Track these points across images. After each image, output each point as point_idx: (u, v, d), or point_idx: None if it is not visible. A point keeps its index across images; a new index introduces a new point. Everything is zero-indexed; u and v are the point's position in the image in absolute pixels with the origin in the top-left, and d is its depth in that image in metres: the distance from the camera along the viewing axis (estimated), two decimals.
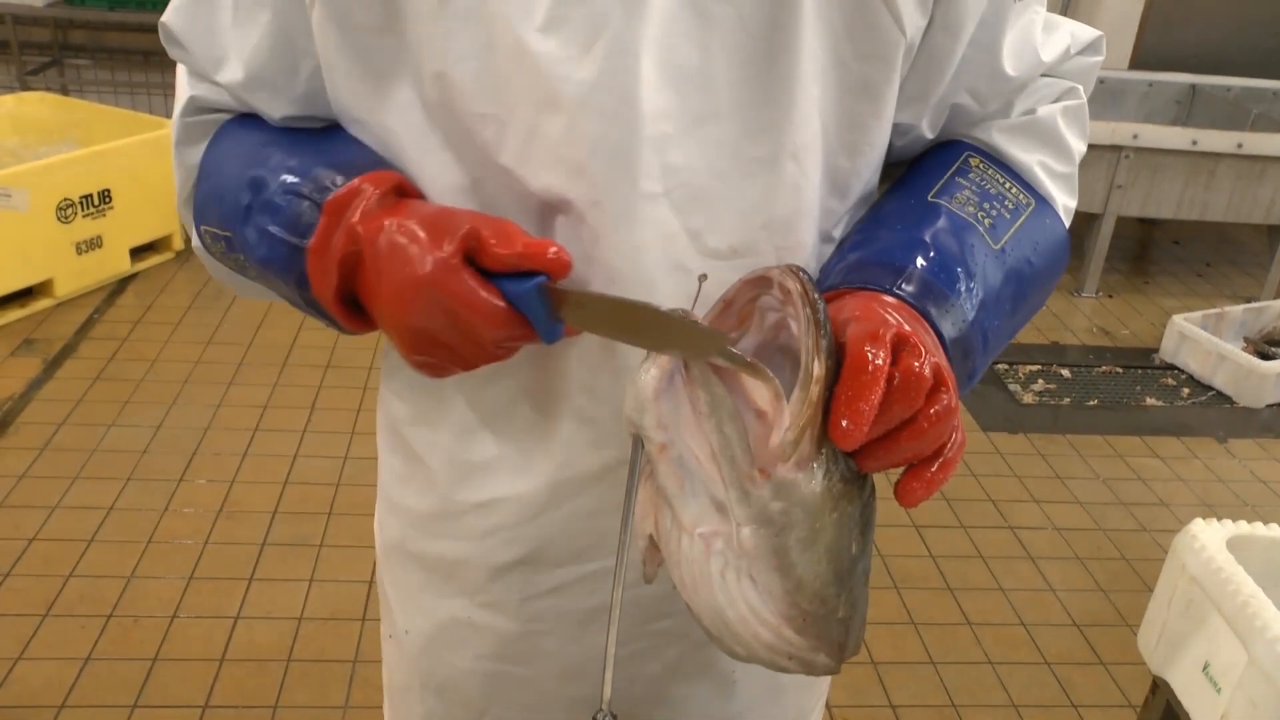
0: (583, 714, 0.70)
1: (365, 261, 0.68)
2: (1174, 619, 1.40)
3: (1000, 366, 3.53)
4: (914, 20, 0.72)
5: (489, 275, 0.67)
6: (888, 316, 0.65)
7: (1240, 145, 3.88)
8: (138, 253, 3.69)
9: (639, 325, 0.65)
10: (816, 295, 0.62)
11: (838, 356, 0.62)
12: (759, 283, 0.65)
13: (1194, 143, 3.86)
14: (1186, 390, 3.53)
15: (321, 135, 0.77)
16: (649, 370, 0.63)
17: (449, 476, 0.85)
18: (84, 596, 2.24)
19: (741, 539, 0.63)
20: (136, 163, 3.56)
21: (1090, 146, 0.90)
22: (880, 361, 0.61)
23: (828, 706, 1.88)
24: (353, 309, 0.72)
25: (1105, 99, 4.39)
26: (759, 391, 0.62)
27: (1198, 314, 3.70)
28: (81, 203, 3.41)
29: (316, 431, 2.87)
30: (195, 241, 0.83)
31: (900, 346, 0.63)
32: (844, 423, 0.60)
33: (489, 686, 0.92)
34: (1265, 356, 3.57)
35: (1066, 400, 3.42)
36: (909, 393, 0.62)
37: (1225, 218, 4.08)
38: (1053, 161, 0.85)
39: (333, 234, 0.69)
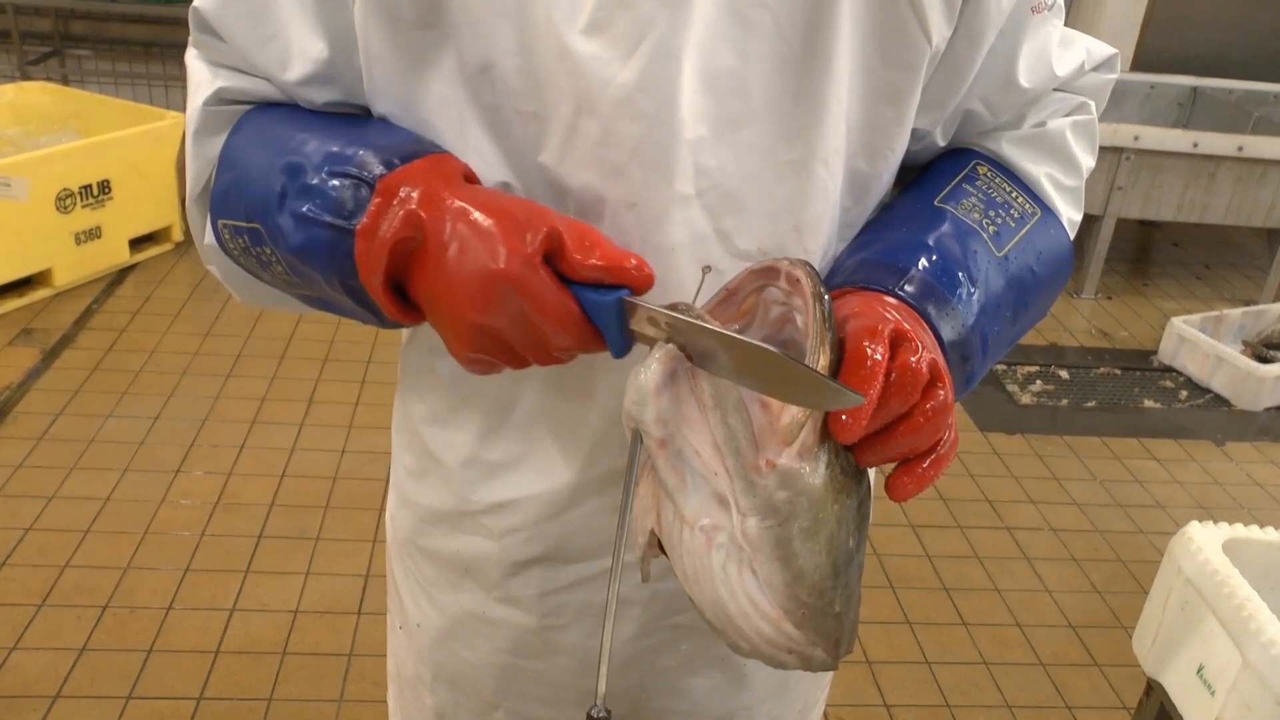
0: (589, 708, 0.71)
1: (427, 248, 0.64)
2: (1169, 621, 1.40)
3: (999, 367, 3.53)
4: (941, 29, 0.73)
5: (564, 280, 0.64)
6: (887, 313, 0.66)
7: (1241, 148, 3.88)
8: (137, 243, 3.68)
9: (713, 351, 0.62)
10: (823, 289, 0.63)
11: (838, 351, 0.63)
12: (765, 273, 0.66)
13: (1195, 145, 3.86)
14: (1184, 393, 3.53)
15: (359, 120, 0.74)
16: (650, 366, 0.63)
17: (467, 476, 0.85)
18: (80, 587, 2.24)
19: (746, 529, 0.64)
20: (136, 154, 3.56)
21: None
22: (879, 356, 0.62)
23: None
24: (399, 298, 0.68)
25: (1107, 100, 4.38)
26: None
27: (1196, 316, 3.70)
28: (81, 193, 3.41)
29: (314, 424, 2.87)
30: (208, 239, 0.79)
31: (898, 342, 0.64)
32: (843, 417, 0.62)
33: (503, 680, 0.92)
34: (1263, 360, 3.57)
35: (1064, 401, 3.42)
36: (906, 387, 0.63)
37: (1225, 220, 4.08)
38: (1060, 175, 0.86)
39: (385, 215, 0.64)
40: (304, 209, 0.67)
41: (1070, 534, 2.76)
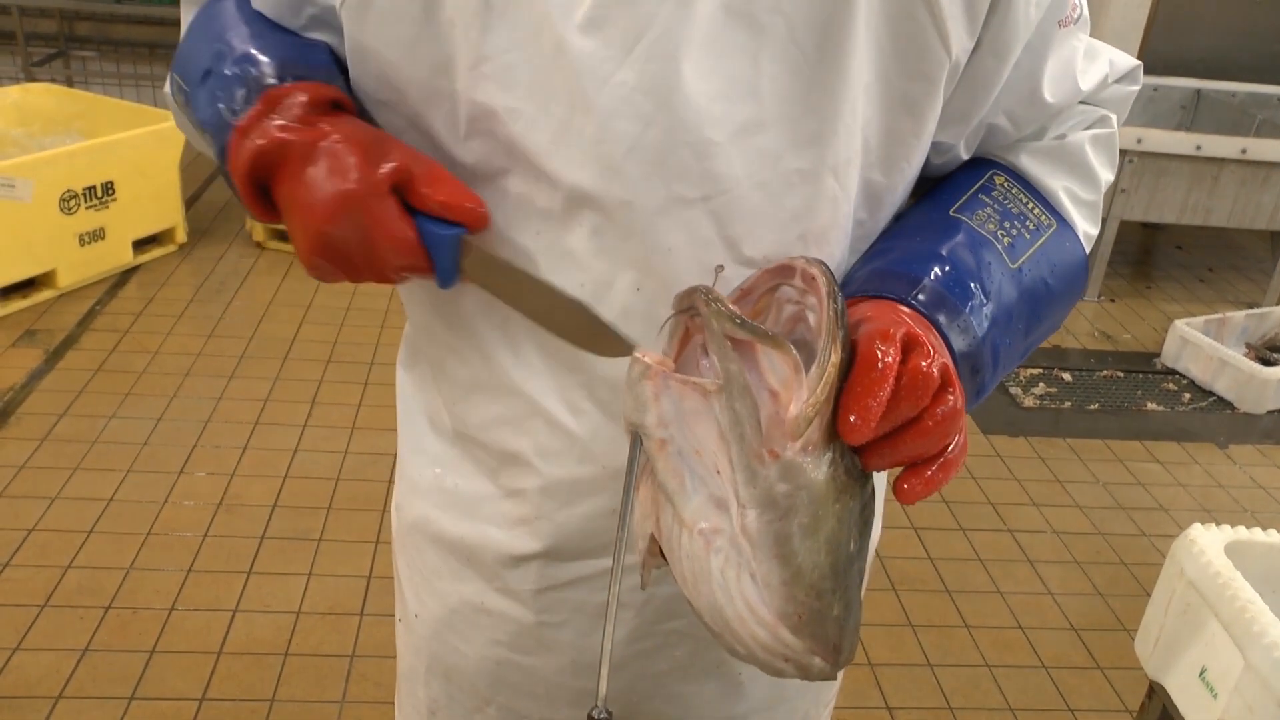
0: (589, 709, 0.71)
1: (291, 160, 0.70)
2: (1171, 624, 1.40)
3: None
4: (961, 41, 0.73)
5: (411, 210, 0.70)
6: (899, 318, 0.66)
7: (1244, 151, 3.88)
8: (140, 245, 3.69)
9: (532, 300, 0.72)
10: (837, 287, 0.63)
11: (849, 353, 0.63)
12: (780, 271, 0.66)
13: (1198, 148, 3.86)
14: (1187, 395, 3.53)
15: (294, 34, 0.78)
16: (642, 380, 0.63)
17: (481, 462, 0.86)
18: (83, 588, 2.24)
19: (745, 524, 0.63)
20: (140, 155, 3.57)
21: None
22: (890, 360, 0.62)
23: None
24: (262, 198, 0.74)
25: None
26: (775, 370, 0.63)
27: (1200, 319, 3.70)
28: (85, 194, 3.42)
29: (317, 426, 2.87)
30: (167, 87, 0.85)
31: (910, 347, 0.64)
32: (851, 418, 0.61)
33: (497, 675, 0.92)
34: (1267, 362, 3.56)
35: (1067, 404, 3.42)
36: (915, 391, 0.63)
37: (1228, 223, 4.08)
38: (1078, 188, 0.86)
39: (262, 121, 0.70)
40: (214, 90, 0.74)
41: (1073, 536, 2.76)
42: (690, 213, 0.71)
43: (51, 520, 2.43)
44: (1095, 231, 0.88)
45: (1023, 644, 2.36)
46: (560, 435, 0.80)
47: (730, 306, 0.63)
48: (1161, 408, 3.45)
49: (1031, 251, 0.80)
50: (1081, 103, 0.86)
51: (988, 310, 0.74)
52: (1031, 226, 0.81)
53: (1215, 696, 1.29)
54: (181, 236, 3.82)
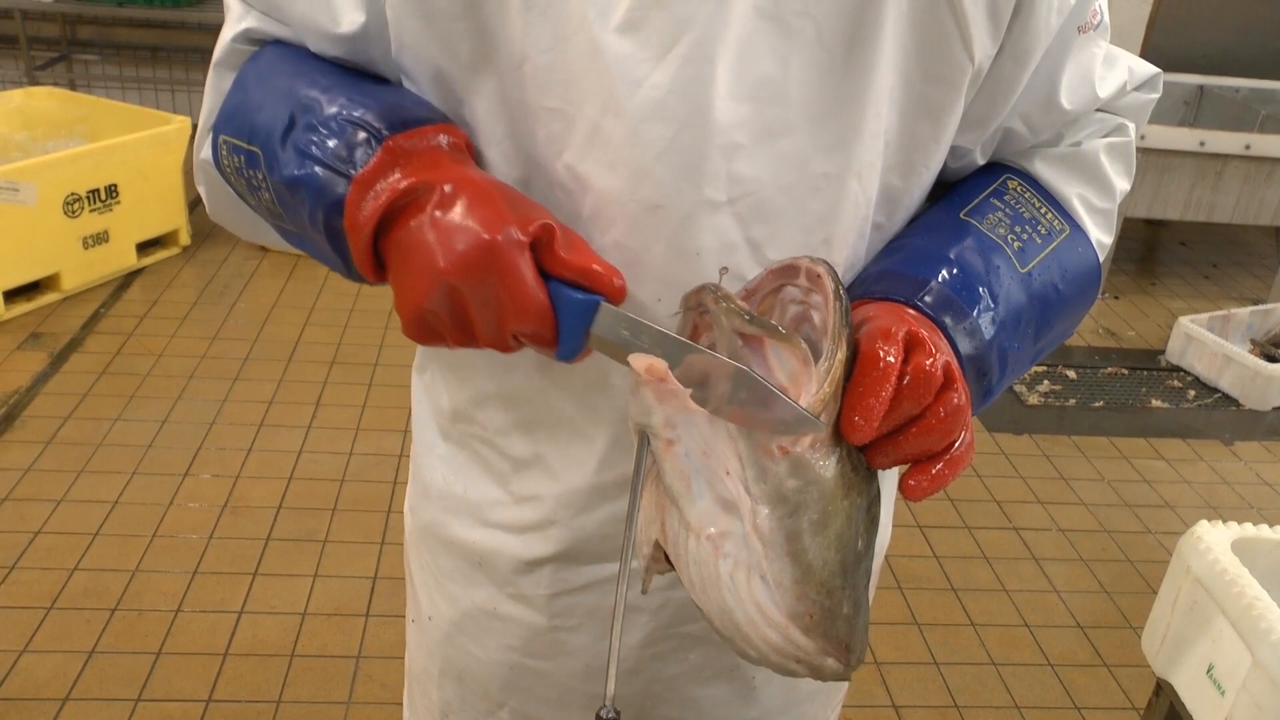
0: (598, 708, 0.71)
1: (421, 206, 0.65)
2: (1178, 621, 1.40)
3: None
4: (984, 47, 0.73)
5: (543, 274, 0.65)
6: (902, 318, 0.66)
7: (1248, 146, 3.87)
8: (144, 248, 3.69)
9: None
10: (842, 287, 0.63)
11: (853, 352, 0.63)
12: (785, 271, 0.66)
13: (1202, 144, 3.85)
14: (1192, 392, 3.52)
15: (378, 80, 0.75)
16: (643, 385, 0.63)
17: (494, 468, 0.86)
18: (89, 590, 2.24)
19: (758, 522, 0.64)
20: (143, 158, 3.57)
21: None
22: (892, 359, 0.62)
23: None
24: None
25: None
26: (784, 365, 0.63)
27: (1204, 316, 3.69)
28: (88, 197, 3.42)
29: (321, 427, 2.87)
30: (204, 154, 0.79)
31: (912, 345, 0.64)
32: (855, 418, 0.62)
33: (510, 678, 0.92)
34: (1272, 359, 3.56)
35: (1072, 401, 3.41)
36: (919, 390, 0.63)
37: (1233, 219, 4.07)
38: (1093, 196, 0.85)
39: (384, 173, 0.65)
40: (308, 145, 0.68)
41: (1078, 534, 2.75)
42: (717, 216, 0.70)
43: (57, 523, 2.43)
44: (1109, 240, 0.87)
45: (1029, 642, 2.36)
46: (582, 443, 0.80)
47: (739, 303, 0.63)
48: (1166, 405, 3.44)
49: (1042, 256, 0.79)
50: (1099, 110, 0.86)
51: (995, 314, 0.74)
52: (1043, 231, 0.80)
53: (1223, 694, 1.29)
54: (185, 239, 3.83)
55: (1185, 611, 1.38)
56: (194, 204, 3.89)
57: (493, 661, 0.92)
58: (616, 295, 0.65)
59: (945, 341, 0.69)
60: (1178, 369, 3.66)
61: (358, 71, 0.74)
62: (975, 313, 0.72)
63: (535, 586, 0.87)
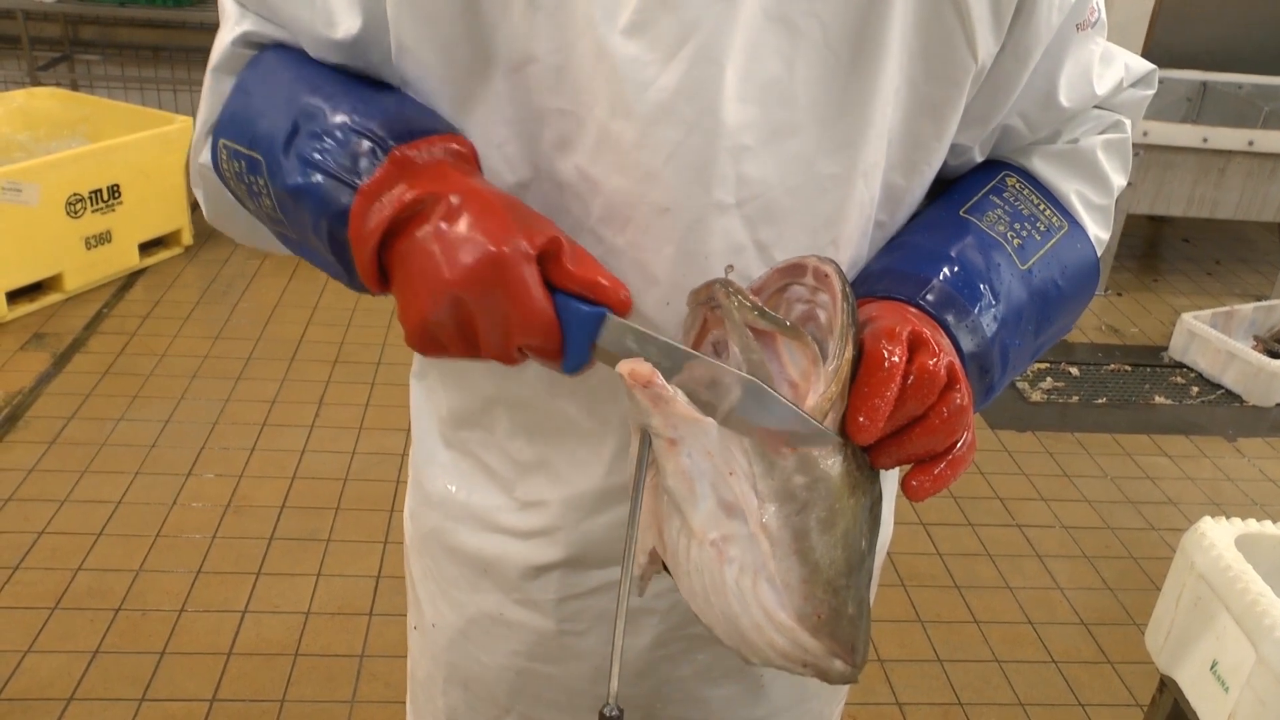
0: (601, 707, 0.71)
1: (427, 216, 0.64)
2: (1182, 617, 1.39)
3: None
4: (987, 46, 0.73)
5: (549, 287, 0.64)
6: (905, 318, 0.67)
7: (1251, 143, 3.86)
8: (146, 247, 3.70)
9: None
10: (849, 286, 0.63)
11: (858, 352, 0.63)
12: (792, 270, 0.66)
13: (1204, 140, 3.85)
14: (1195, 389, 3.52)
15: (381, 84, 0.73)
16: (634, 391, 0.63)
17: (499, 474, 0.86)
18: (92, 590, 2.25)
19: (765, 519, 0.64)
20: (146, 158, 3.57)
21: None
22: (896, 359, 0.63)
23: None
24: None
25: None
26: (795, 361, 0.63)
27: (1207, 312, 3.69)
28: (91, 198, 3.42)
29: (324, 426, 2.88)
30: (204, 158, 0.77)
31: (916, 346, 0.65)
32: (860, 418, 0.62)
33: (517, 683, 0.92)
34: (1275, 355, 3.55)
35: (1075, 398, 3.41)
36: (922, 390, 0.63)
37: (1236, 215, 4.06)
38: (1090, 193, 0.86)
39: (394, 183, 0.65)
40: (312, 153, 0.67)
41: (1081, 531, 2.75)
42: (726, 218, 0.70)
43: (61, 523, 2.43)
44: (1106, 236, 0.87)
45: (1032, 639, 2.36)
46: (589, 447, 0.80)
47: (751, 297, 0.63)
48: (1169, 401, 3.43)
49: (1042, 253, 0.79)
50: (1096, 107, 0.86)
51: (997, 311, 0.74)
52: (1042, 228, 0.81)
53: (1227, 690, 1.29)
54: (187, 239, 3.83)
55: (1189, 608, 1.38)
56: (196, 204, 3.88)
57: (499, 667, 0.92)
58: (622, 308, 0.65)
59: (948, 341, 0.69)
60: (1181, 365, 3.65)
61: (361, 77, 0.74)
62: (977, 310, 0.73)
63: (543, 591, 0.87)
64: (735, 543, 0.65)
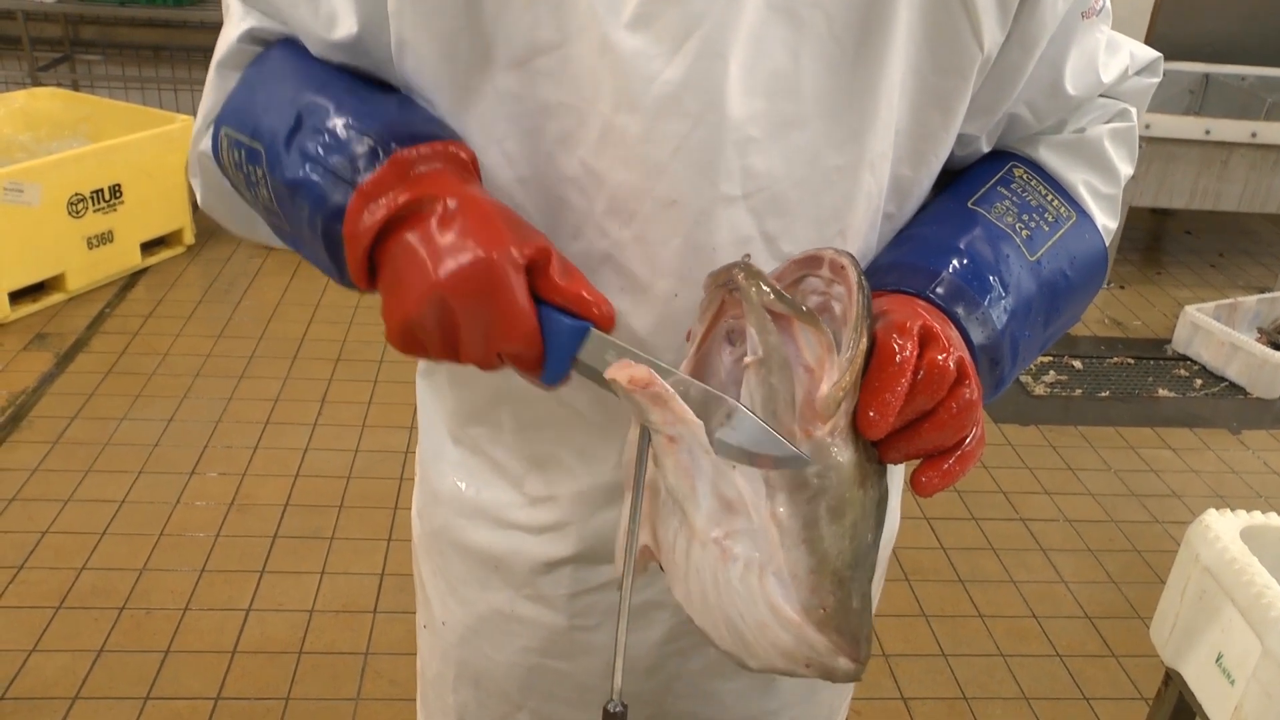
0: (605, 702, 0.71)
1: (421, 219, 0.64)
2: (1187, 610, 1.39)
3: None
4: (993, 36, 0.72)
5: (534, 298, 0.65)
6: (915, 312, 0.67)
7: (1254, 134, 3.85)
8: (148, 247, 3.70)
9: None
10: (865, 279, 0.63)
11: (871, 344, 0.64)
12: (808, 262, 0.66)
13: (1207, 132, 3.84)
14: (1199, 381, 3.51)
15: (387, 87, 0.74)
16: (632, 394, 0.63)
17: (509, 469, 0.85)
18: (97, 589, 2.25)
19: (776, 508, 0.64)
20: (147, 157, 3.57)
21: None
22: (907, 354, 0.63)
23: None
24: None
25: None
26: (810, 348, 0.63)
27: (1210, 304, 3.68)
28: (92, 197, 3.42)
29: (327, 424, 2.88)
30: (204, 145, 0.78)
31: (926, 340, 0.65)
32: (871, 413, 0.62)
33: (528, 680, 0.92)
34: (1279, 347, 3.54)
35: (1078, 392, 3.41)
36: (932, 385, 0.64)
37: (1239, 208, 4.05)
38: (1098, 182, 0.86)
39: (392, 184, 0.65)
40: (313, 150, 0.67)
41: (1085, 525, 2.75)
42: (732, 210, 0.70)
43: (65, 522, 2.44)
44: (1114, 225, 0.87)
45: (1037, 633, 2.36)
46: (600, 440, 0.80)
47: (769, 280, 0.63)
48: (1173, 394, 3.43)
49: (1050, 244, 0.79)
50: (1101, 96, 0.86)
51: (1006, 303, 0.74)
52: (1050, 219, 0.80)
53: (1232, 683, 1.28)
54: (189, 238, 3.83)
55: (1194, 601, 1.38)
56: (198, 203, 3.89)
57: (510, 664, 0.92)
58: (606, 323, 0.65)
59: (958, 335, 0.70)
60: (1184, 358, 3.64)
61: (367, 79, 0.74)
62: (987, 302, 0.73)
63: (554, 587, 0.87)
64: (739, 539, 0.65)
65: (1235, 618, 1.30)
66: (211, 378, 3.06)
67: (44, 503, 2.49)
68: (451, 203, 0.64)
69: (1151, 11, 4.57)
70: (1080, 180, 0.84)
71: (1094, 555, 2.63)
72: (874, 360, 0.63)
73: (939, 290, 0.71)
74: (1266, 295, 3.79)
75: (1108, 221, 0.86)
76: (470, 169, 0.70)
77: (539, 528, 0.85)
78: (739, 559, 0.65)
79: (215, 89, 0.77)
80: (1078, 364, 3.57)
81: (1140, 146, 0.88)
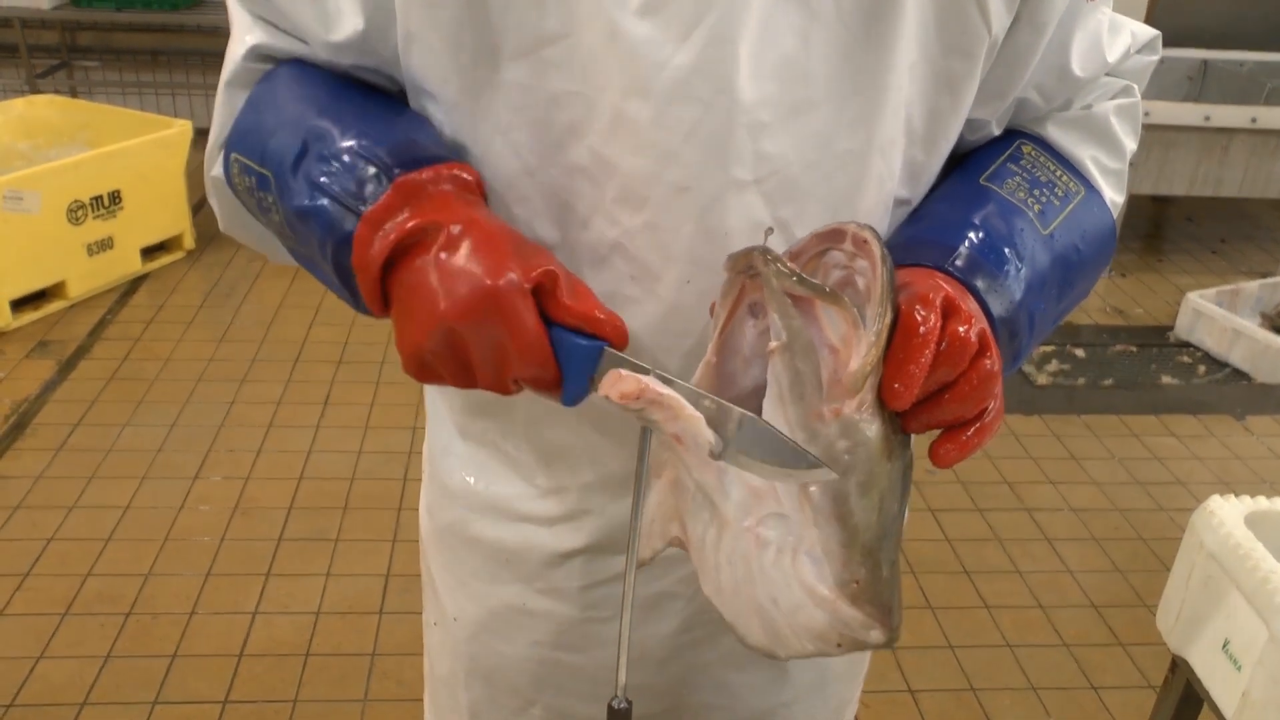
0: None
1: (427, 246, 0.64)
2: (1192, 597, 1.39)
3: None
4: (1001, 18, 0.73)
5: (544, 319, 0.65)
6: (936, 284, 0.67)
7: (1254, 120, 3.84)
8: (148, 253, 3.70)
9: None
10: (888, 253, 0.64)
11: (895, 317, 0.64)
12: (831, 235, 0.66)
13: (1207, 118, 3.83)
14: (1202, 368, 3.50)
15: (389, 105, 0.74)
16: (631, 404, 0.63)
17: (520, 462, 0.86)
18: (102, 595, 2.25)
19: (807, 486, 0.64)
20: (146, 163, 3.57)
21: None
22: (931, 325, 0.63)
23: None
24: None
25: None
26: (834, 327, 0.64)
27: (1212, 291, 3.67)
28: (92, 204, 3.43)
29: (330, 426, 2.88)
30: (216, 170, 0.78)
31: (948, 312, 0.65)
32: (896, 385, 0.63)
33: (541, 674, 0.92)
34: None
35: (1081, 380, 3.40)
36: (955, 356, 0.64)
37: (1239, 193, 4.04)
38: (1105, 157, 0.86)
39: (397, 210, 0.65)
40: (318, 177, 0.67)
41: (1090, 513, 2.74)
42: (744, 195, 0.71)
43: (69, 529, 2.44)
44: (1121, 199, 0.88)
45: (1043, 623, 2.36)
46: (614, 429, 0.80)
47: (789, 264, 0.63)
48: (1176, 381, 3.42)
49: (1062, 218, 0.80)
50: (1105, 74, 0.87)
51: (1023, 275, 0.75)
52: (1060, 194, 0.81)
53: (1239, 669, 1.28)
54: (189, 243, 3.83)
55: (1199, 587, 1.37)
56: (197, 208, 3.89)
57: (522, 658, 0.92)
58: (620, 341, 0.65)
59: (979, 307, 0.70)
60: (1187, 345, 3.64)
61: (373, 97, 0.74)
62: (1005, 275, 0.73)
63: (567, 579, 0.87)
64: (770, 524, 0.65)
65: (1241, 603, 1.29)
66: (214, 382, 3.07)
67: (48, 510, 2.50)
68: (456, 228, 0.64)
69: None
70: (1088, 156, 0.85)
71: (1099, 544, 2.63)
72: (898, 332, 0.64)
73: (958, 263, 0.72)
74: (1269, 280, 3.78)
75: (1115, 196, 0.87)
76: (475, 190, 0.70)
77: (551, 519, 0.86)
78: (771, 544, 0.65)
79: (224, 109, 0.77)
80: (1080, 353, 3.57)
81: (1140, 133, 0.90)
